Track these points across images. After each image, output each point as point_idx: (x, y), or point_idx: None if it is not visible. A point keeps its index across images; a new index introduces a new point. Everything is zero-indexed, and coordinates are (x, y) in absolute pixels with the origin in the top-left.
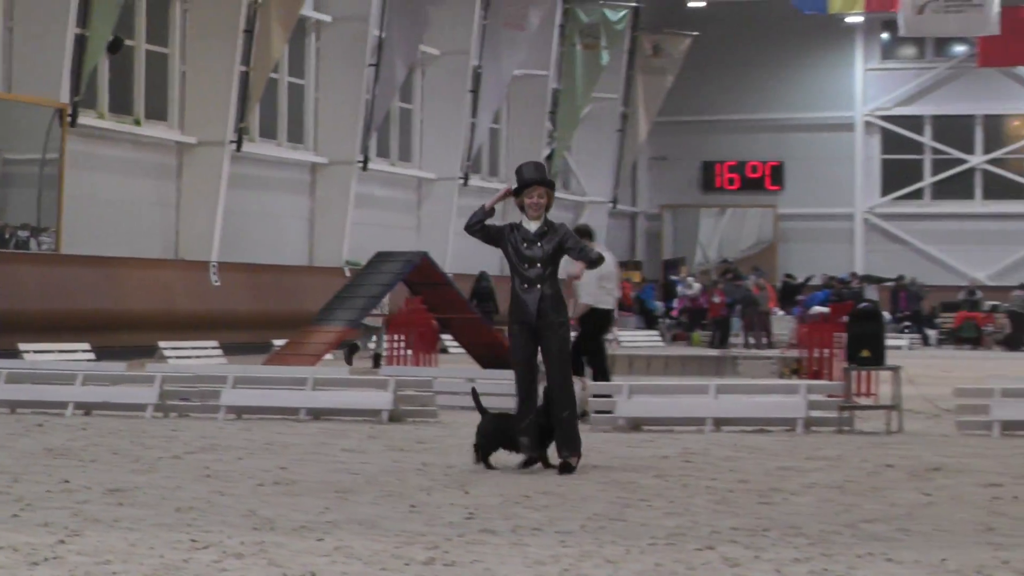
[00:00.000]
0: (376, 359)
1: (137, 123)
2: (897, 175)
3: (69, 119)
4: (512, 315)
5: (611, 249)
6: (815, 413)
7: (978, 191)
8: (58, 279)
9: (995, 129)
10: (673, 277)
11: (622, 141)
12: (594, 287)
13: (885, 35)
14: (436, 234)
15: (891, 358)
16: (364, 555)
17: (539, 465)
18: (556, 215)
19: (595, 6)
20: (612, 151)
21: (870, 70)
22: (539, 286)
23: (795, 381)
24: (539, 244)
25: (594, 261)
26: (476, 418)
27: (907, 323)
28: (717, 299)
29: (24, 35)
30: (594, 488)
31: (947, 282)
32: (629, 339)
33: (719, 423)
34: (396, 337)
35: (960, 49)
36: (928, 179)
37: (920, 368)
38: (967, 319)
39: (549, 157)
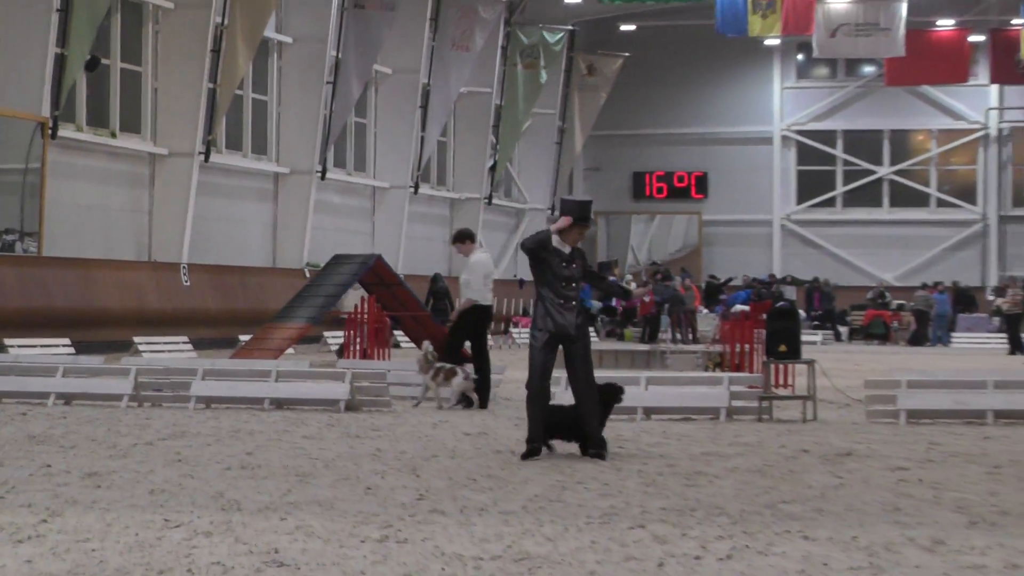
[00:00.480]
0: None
1: (113, 135)
2: (811, 185)
3: (50, 132)
4: (541, 325)
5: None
6: (737, 403)
7: (885, 199)
8: (39, 279)
9: (901, 143)
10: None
11: (559, 153)
12: (480, 285)
13: (801, 56)
14: (389, 238)
15: (806, 352)
16: (323, 533)
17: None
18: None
19: (535, 29)
20: (550, 162)
21: (787, 88)
22: (574, 303)
23: (718, 374)
24: (573, 265)
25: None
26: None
27: (821, 320)
28: (647, 298)
29: (7, 54)
30: (534, 472)
31: (857, 283)
32: None
33: (649, 412)
34: (352, 333)
35: (869, 69)
36: (840, 188)
37: (833, 362)
38: (876, 317)
39: (492, 168)
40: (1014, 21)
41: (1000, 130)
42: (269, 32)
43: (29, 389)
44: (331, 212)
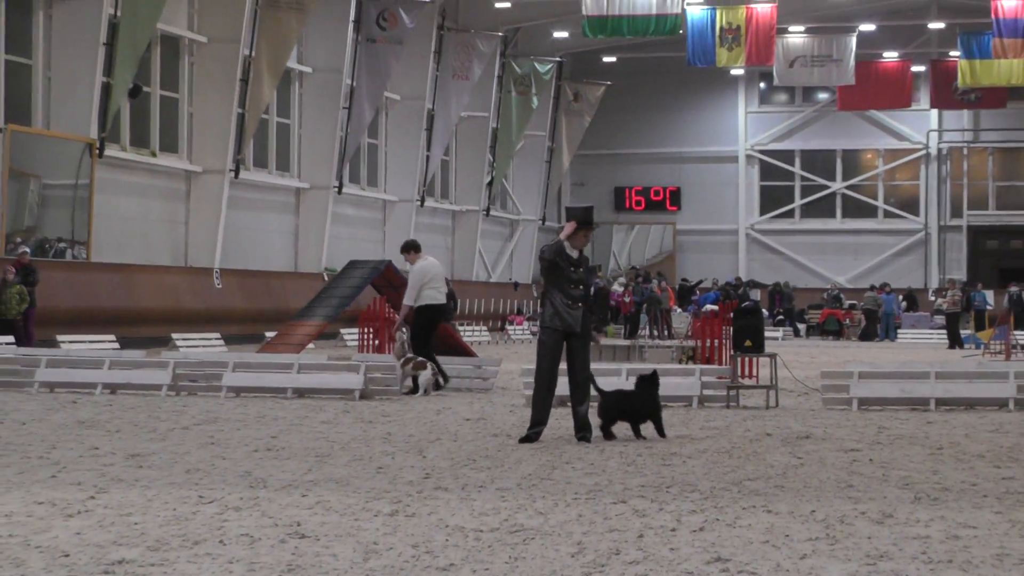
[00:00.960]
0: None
1: (153, 155)
2: (773, 198)
3: (97, 152)
4: (550, 323)
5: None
6: (707, 392)
7: (838, 211)
8: (88, 282)
9: (852, 161)
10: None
11: (549, 170)
12: (416, 291)
13: (763, 84)
14: (398, 246)
15: (769, 347)
16: (339, 508)
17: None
18: (496, 230)
19: (527, 60)
20: (541, 178)
21: (751, 112)
22: (580, 304)
23: (691, 366)
24: (580, 268)
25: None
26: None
27: (781, 318)
28: (628, 299)
29: (60, 83)
30: (527, 453)
31: (814, 285)
32: None
33: None
34: (366, 330)
35: (823, 96)
36: (798, 201)
37: (792, 355)
38: (830, 315)
39: (490, 183)
40: (952, 53)
41: (939, 149)
42: (291, 63)
43: (78, 380)
44: (346, 223)
